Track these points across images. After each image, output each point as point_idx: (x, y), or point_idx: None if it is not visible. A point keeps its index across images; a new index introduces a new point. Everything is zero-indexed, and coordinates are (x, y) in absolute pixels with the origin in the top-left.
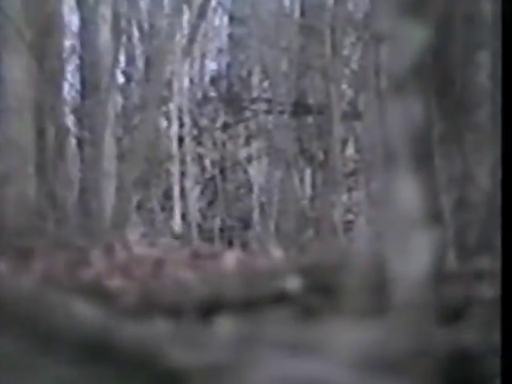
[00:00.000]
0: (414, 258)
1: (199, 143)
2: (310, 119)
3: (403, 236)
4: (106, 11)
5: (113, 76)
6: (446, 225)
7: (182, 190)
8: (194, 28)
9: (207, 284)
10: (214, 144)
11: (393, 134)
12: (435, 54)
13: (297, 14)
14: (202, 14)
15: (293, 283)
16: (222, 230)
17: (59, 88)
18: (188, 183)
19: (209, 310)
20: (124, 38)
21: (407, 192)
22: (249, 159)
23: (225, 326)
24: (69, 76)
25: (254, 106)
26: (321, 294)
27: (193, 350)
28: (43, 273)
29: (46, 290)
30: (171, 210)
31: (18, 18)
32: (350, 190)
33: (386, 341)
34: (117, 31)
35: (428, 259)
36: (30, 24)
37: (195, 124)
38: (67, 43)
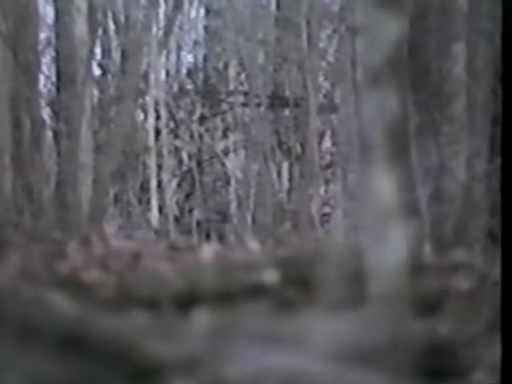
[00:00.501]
0: (390, 250)
1: (176, 136)
2: (286, 112)
3: (380, 228)
4: (81, 3)
5: (89, 68)
6: (422, 217)
7: (159, 183)
8: (170, 20)
9: (184, 277)
10: (191, 137)
11: (369, 126)
12: (411, 46)
13: (273, 6)
14: (178, 5)
15: (270, 276)
16: (199, 223)
17: (35, 80)
18: (165, 176)
19: (186, 302)
20: (100, 31)
21: (383, 184)
22: (226, 152)
23: (201, 318)
24: (44, 68)
25: (230, 99)
26: (297, 286)
27: (169, 343)
28: (19, 266)
29: (22, 283)
30: (148, 202)
31: None
32: (326, 182)
33: (362, 333)
34: (92, 23)
35: (404, 251)
36: (5, 16)
37: (172, 117)
38: (42, 35)
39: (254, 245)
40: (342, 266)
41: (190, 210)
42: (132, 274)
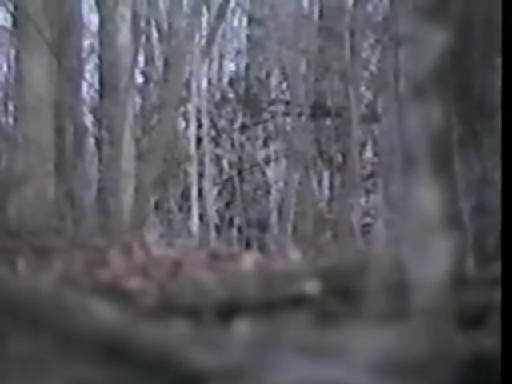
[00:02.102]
0: (432, 262)
1: (217, 144)
2: (328, 121)
3: (422, 240)
4: (125, 11)
5: (132, 76)
6: (465, 229)
7: (200, 191)
8: (213, 29)
9: (225, 285)
10: (232, 145)
11: (412, 137)
12: (454, 57)
13: (316, 15)
14: (220, 14)
15: (311, 286)
16: (239, 232)
17: (78, 87)
18: (206, 184)
19: (227, 311)
20: (143, 38)
21: (426, 196)
22: (267, 161)
23: (243, 328)
24: (88, 75)
25: (272, 108)
26: (339, 297)
27: (211, 352)
28: (61, 272)
29: (64, 290)
30: (189, 210)
31: (38, 17)
32: (367, 192)
33: (404, 345)
34: (136, 31)
35: (447, 264)
36: (49, 23)
37: (213, 125)
38: (86, 43)
39: (294, 254)
40: (384, 278)
41: (231, 219)
42: (173, 283)
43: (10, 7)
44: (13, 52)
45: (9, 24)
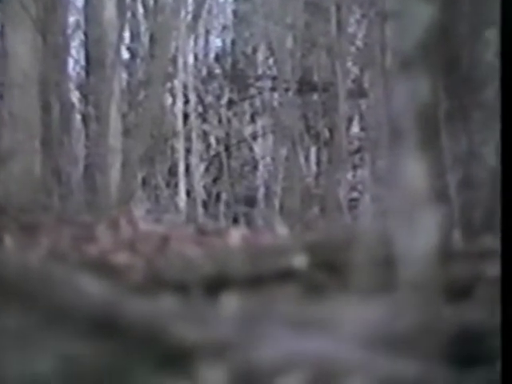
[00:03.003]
0: (419, 235)
1: (204, 120)
2: (315, 97)
3: (409, 214)
4: None
5: (118, 52)
6: (451, 203)
7: (187, 167)
8: (199, 4)
9: (213, 261)
10: (219, 121)
11: (398, 111)
12: (442, 31)
13: None
14: None
15: (298, 260)
16: (226, 207)
17: (64, 64)
18: (193, 160)
19: (215, 286)
20: (129, 14)
21: (413, 170)
22: (254, 136)
23: (230, 302)
24: (73, 52)
25: (259, 84)
26: (327, 271)
27: (198, 327)
28: (49, 248)
29: (51, 266)
30: (176, 186)
31: None
32: (355, 167)
33: (391, 318)
34: (121, 7)
35: (434, 237)
36: (34, 0)
37: (200, 101)
38: (72, 19)
39: (282, 229)
40: (372, 252)
41: (218, 195)
42: (161, 258)
43: None
44: None
45: None
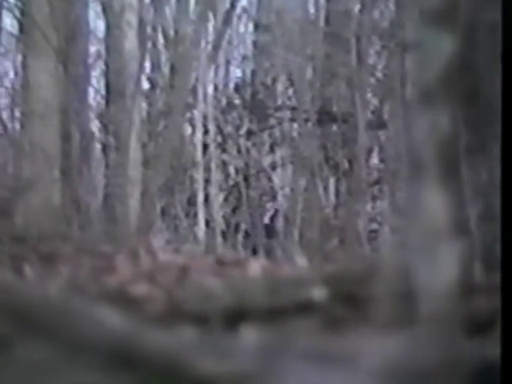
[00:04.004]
0: (440, 268)
1: (223, 150)
2: (334, 127)
3: (429, 246)
4: (131, 17)
5: (138, 82)
6: (472, 236)
7: (206, 197)
8: (219, 35)
9: (232, 292)
10: (238, 151)
11: (419, 143)
12: (461, 63)
13: (322, 21)
14: (227, 20)
15: (318, 292)
16: (245, 238)
17: (84, 93)
18: (212, 190)
19: (234, 317)
20: (149, 45)
21: (433, 202)
22: (273, 167)
23: (250, 334)
24: (94, 81)
25: (278, 114)
26: (346, 303)
27: (218, 359)
28: (68, 278)
29: (70, 297)
30: (195, 216)
31: (44, 23)
32: (374, 199)
33: (412, 352)
34: (142, 37)
35: (454, 270)
36: (56, 29)
37: (220, 131)
38: (93, 49)
39: (301, 261)
40: (392, 284)
41: (237, 225)
42: (180, 289)
43: (17, 13)
44: (19, 58)
45: (16, 30)
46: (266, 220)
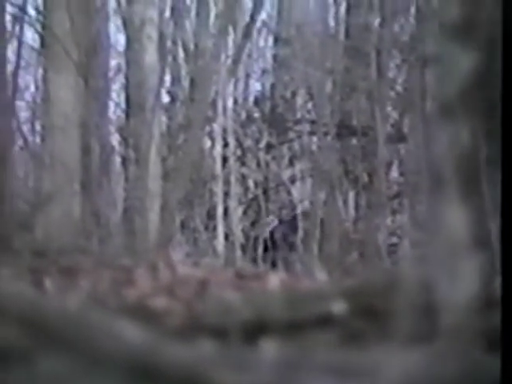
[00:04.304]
0: (460, 282)
1: (243, 163)
2: (354, 141)
3: (449, 260)
4: (151, 31)
5: (158, 95)
6: (493, 250)
7: (226, 210)
8: (239, 48)
9: (251, 305)
10: (258, 164)
11: (439, 157)
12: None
13: (342, 35)
14: (247, 34)
15: (338, 306)
16: (265, 251)
17: (105, 107)
18: (231, 203)
19: (253, 331)
20: (169, 58)
21: (453, 216)
22: (292, 180)
23: (269, 348)
24: (114, 95)
25: (297, 127)
26: (366, 317)
27: (238, 373)
28: (88, 292)
29: (90, 310)
30: (214, 229)
31: (65, 37)
32: (394, 212)
33: (432, 366)
34: (162, 51)
35: (475, 284)
36: (77, 43)
37: (239, 144)
38: (113, 62)
39: (320, 274)
40: (412, 298)
41: (256, 238)
42: (199, 302)
43: (38, 27)
44: (40, 72)
45: (37, 44)
46: (267, 233)
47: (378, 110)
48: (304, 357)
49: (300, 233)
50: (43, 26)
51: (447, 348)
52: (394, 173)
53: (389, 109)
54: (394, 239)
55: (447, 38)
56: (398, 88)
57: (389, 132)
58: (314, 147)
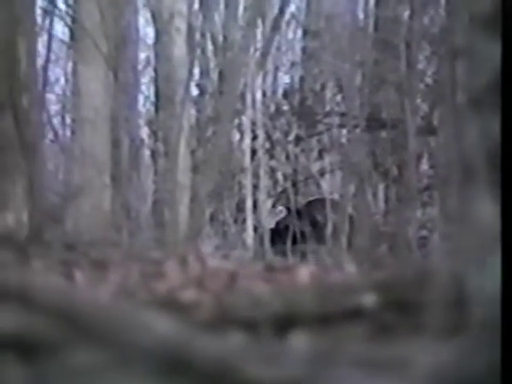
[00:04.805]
0: (492, 275)
1: (272, 156)
2: (383, 133)
3: (481, 253)
4: (180, 24)
5: (187, 88)
6: None
7: (255, 203)
8: (268, 41)
9: (281, 298)
10: (287, 157)
11: (470, 149)
12: None
13: (371, 27)
14: (275, 26)
15: (368, 299)
16: (294, 244)
17: (134, 100)
18: (260, 196)
19: (283, 324)
20: (198, 51)
21: (485, 209)
22: (321, 173)
23: (299, 341)
24: (143, 88)
25: (327, 120)
26: (396, 310)
27: (267, 365)
28: (118, 284)
29: (120, 302)
30: (243, 222)
31: (95, 30)
32: (424, 205)
33: (464, 359)
34: (191, 44)
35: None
36: (106, 37)
37: (268, 137)
38: (142, 55)
39: (350, 267)
40: (442, 291)
41: (285, 231)
42: (229, 295)
43: (68, 21)
44: (70, 65)
45: (66, 37)
46: (273, 224)
47: (407, 102)
48: (334, 350)
49: (329, 226)
50: (73, 20)
51: (478, 340)
52: (424, 165)
53: (418, 101)
54: (424, 232)
55: (477, 29)
56: (428, 80)
57: (419, 124)
58: (343, 140)
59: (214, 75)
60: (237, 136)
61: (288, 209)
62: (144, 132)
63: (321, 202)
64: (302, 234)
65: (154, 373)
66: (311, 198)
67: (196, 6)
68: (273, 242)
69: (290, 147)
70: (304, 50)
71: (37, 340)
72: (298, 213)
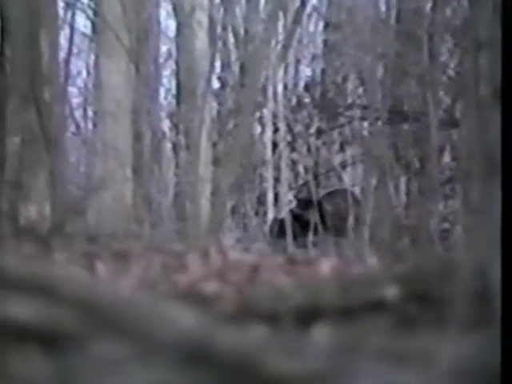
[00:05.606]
0: None
1: (293, 149)
2: (405, 126)
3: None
4: (202, 17)
5: (208, 81)
6: None
7: (276, 196)
8: (289, 34)
9: (303, 291)
10: (308, 150)
11: (493, 142)
12: None
13: (393, 19)
14: (297, 19)
15: (390, 292)
16: (315, 236)
17: (156, 93)
18: (282, 189)
19: (305, 317)
20: (220, 44)
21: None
22: (343, 165)
23: (321, 333)
24: (165, 81)
25: (348, 113)
26: (419, 303)
27: (289, 357)
28: (139, 277)
29: (142, 295)
30: (265, 215)
31: (116, 23)
32: (446, 198)
33: (488, 353)
34: (213, 37)
35: None
36: (128, 30)
37: (289, 130)
38: (164, 48)
39: (372, 260)
40: (465, 284)
41: (307, 223)
42: (251, 287)
43: (90, 14)
44: (92, 58)
45: (88, 30)
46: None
47: (429, 94)
48: (356, 342)
49: (351, 218)
50: (95, 13)
51: (501, 334)
52: (447, 158)
53: (441, 93)
54: (446, 225)
55: (499, 20)
56: (450, 72)
57: (441, 117)
58: (365, 132)
59: (236, 68)
60: (258, 129)
61: (309, 201)
62: (165, 125)
63: (342, 194)
64: (324, 226)
65: (176, 365)
66: (331, 189)
67: None
68: (294, 235)
69: (312, 140)
70: (325, 42)
71: (60, 332)
72: (320, 205)
